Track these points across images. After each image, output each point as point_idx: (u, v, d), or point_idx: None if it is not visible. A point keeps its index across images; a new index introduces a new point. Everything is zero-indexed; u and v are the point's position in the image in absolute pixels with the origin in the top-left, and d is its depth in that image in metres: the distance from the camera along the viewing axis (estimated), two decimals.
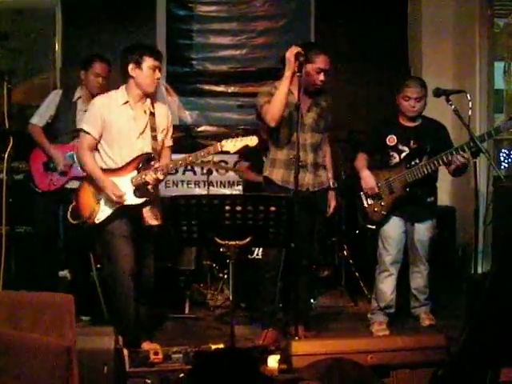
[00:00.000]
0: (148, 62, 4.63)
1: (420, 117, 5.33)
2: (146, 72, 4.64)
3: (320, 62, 4.83)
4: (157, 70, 4.67)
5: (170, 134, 4.94)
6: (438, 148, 5.15)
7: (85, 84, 5.68)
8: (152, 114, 4.76)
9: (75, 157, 5.22)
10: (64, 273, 6.02)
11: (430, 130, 5.32)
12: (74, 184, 5.55)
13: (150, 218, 4.84)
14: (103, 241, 4.79)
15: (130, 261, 4.67)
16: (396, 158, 5.28)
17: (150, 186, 4.67)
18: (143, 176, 4.63)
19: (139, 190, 4.68)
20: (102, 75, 5.61)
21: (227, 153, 4.54)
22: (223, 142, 4.49)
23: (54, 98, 5.73)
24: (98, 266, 5.41)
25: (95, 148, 4.75)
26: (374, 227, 5.35)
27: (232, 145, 4.48)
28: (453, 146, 5.21)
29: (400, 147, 5.27)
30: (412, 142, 5.25)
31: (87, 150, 4.71)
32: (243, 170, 6.50)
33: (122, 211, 4.70)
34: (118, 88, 4.79)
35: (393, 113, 5.42)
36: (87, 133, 4.69)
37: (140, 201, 4.69)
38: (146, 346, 4.81)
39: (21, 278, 5.55)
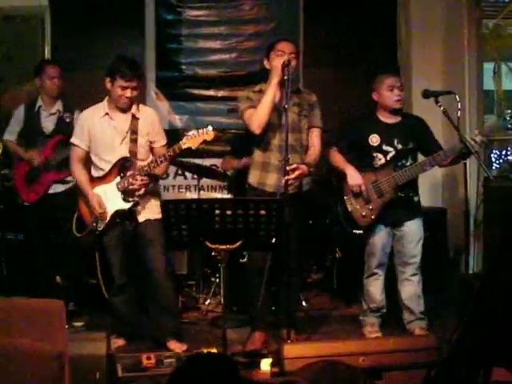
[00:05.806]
0: (119, 82, 4.74)
1: (399, 112, 5.19)
2: (117, 89, 4.76)
3: (280, 46, 4.79)
4: (129, 90, 4.75)
5: (159, 134, 5.02)
6: (423, 143, 5.11)
7: (43, 90, 5.78)
8: (135, 118, 4.87)
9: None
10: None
11: (411, 125, 5.18)
12: (57, 188, 5.60)
13: (147, 212, 4.92)
14: None
15: (116, 270, 4.89)
16: (382, 160, 5.09)
17: (140, 191, 4.80)
18: (129, 184, 4.77)
19: (126, 193, 4.81)
20: (56, 77, 5.75)
21: (190, 149, 4.66)
22: (184, 140, 4.63)
23: (18, 114, 5.85)
24: None
25: (89, 159, 4.94)
26: (361, 232, 5.18)
27: (192, 141, 4.61)
28: (434, 138, 5.19)
29: (384, 147, 5.08)
30: (396, 141, 5.07)
31: (77, 162, 4.92)
32: (223, 161, 6.51)
33: (118, 216, 4.84)
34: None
35: (372, 110, 5.31)
36: (76, 145, 4.91)
37: (129, 205, 4.83)
38: (171, 345, 4.93)
39: (12, 285, 5.54)
